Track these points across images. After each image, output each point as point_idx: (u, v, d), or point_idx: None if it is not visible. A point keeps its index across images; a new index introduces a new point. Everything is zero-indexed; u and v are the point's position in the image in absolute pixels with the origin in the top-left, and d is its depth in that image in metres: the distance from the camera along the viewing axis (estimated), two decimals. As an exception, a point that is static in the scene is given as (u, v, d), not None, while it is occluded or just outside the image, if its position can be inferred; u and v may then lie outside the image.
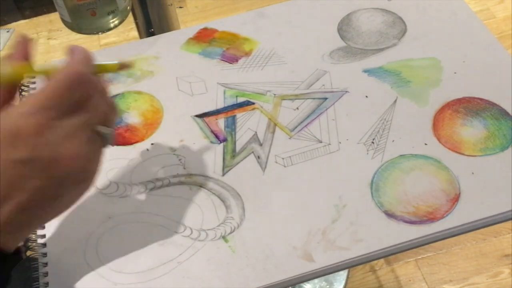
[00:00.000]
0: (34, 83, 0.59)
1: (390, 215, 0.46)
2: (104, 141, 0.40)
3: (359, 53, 0.59)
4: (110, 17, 0.65)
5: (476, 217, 0.45)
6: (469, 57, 0.57)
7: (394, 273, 1.04)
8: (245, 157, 0.51)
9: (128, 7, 0.67)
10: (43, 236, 0.47)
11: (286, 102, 0.55)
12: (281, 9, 0.64)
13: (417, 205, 0.46)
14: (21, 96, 0.58)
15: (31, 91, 0.59)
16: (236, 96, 0.56)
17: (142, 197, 0.49)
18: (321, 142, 0.52)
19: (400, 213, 0.46)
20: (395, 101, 0.54)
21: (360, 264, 0.45)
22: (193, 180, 0.50)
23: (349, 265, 0.44)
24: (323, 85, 0.56)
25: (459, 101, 0.53)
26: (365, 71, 0.57)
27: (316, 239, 0.45)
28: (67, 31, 0.67)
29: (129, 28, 0.76)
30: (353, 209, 0.47)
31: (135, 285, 0.44)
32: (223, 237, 0.46)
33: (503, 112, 0.52)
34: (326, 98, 0.55)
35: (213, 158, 0.51)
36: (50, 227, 0.48)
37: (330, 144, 0.51)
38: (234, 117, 0.55)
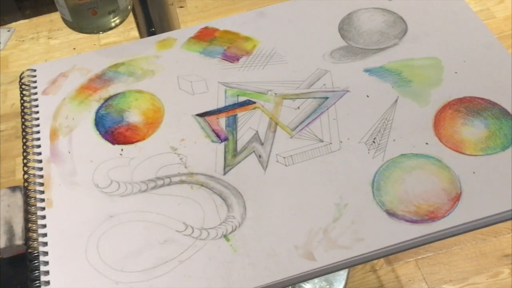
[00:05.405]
0: (35, 82, 0.59)
1: (391, 214, 0.46)
2: None
3: (360, 53, 0.59)
4: (111, 16, 0.65)
5: (477, 216, 0.45)
6: (470, 57, 0.57)
7: (394, 273, 1.04)
8: (246, 156, 0.51)
9: (129, 7, 0.67)
10: (44, 235, 0.47)
11: (287, 101, 0.55)
12: (282, 9, 0.64)
13: (418, 204, 0.46)
14: (21, 94, 0.58)
15: (32, 90, 0.59)
16: (237, 95, 0.56)
17: (143, 196, 0.49)
18: (322, 141, 0.52)
19: (401, 212, 0.46)
20: (396, 100, 0.54)
21: (362, 263, 0.45)
22: (194, 179, 0.50)
23: (350, 264, 0.44)
24: (324, 84, 0.56)
25: (460, 100, 0.53)
26: (366, 70, 0.57)
27: (317, 238, 0.45)
28: (67, 30, 0.67)
29: (129, 28, 0.76)
30: (354, 208, 0.47)
31: (136, 284, 0.44)
32: (225, 236, 0.46)
33: (504, 112, 0.52)
34: (327, 98, 0.55)
35: (214, 157, 0.51)
36: (51, 226, 0.48)
37: (331, 143, 0.51)
38: (235, 116, 0.55)
